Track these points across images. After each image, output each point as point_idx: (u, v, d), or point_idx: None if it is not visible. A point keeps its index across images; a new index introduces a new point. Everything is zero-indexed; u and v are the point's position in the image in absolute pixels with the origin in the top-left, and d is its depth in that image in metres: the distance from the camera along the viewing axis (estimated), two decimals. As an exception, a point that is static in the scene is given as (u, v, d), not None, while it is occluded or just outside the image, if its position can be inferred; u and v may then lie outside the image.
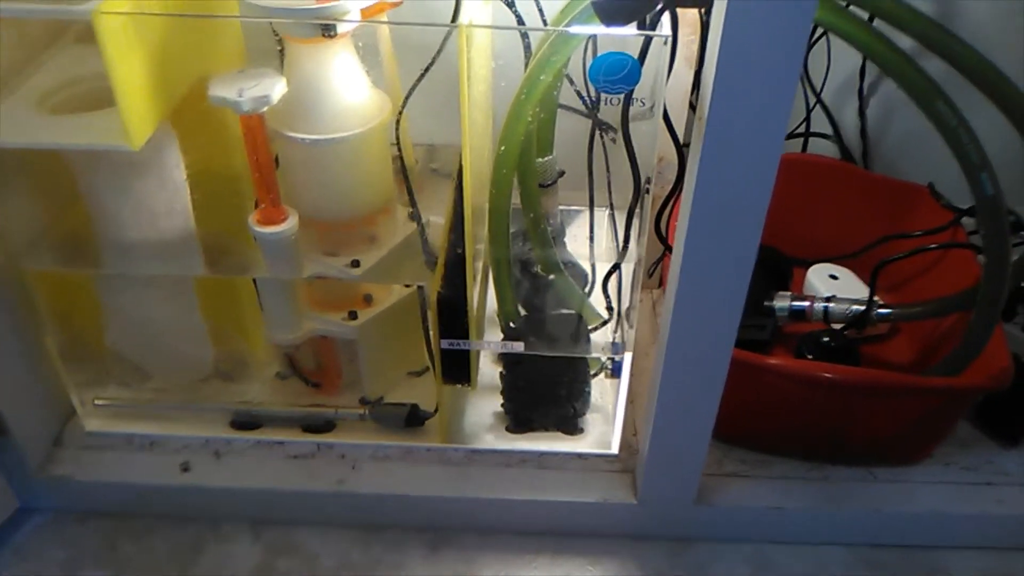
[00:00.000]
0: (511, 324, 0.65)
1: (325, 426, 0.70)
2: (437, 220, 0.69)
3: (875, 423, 0.67)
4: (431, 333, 0.62)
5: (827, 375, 0.63)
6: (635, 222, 0.59)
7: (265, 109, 0.55)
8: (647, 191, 0.55)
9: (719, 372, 0.55)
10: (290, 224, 0.61)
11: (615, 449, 0.69)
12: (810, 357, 0.73)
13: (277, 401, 0.71)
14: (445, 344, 0.62)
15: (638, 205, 0.57)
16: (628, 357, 0.63)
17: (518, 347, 0.63)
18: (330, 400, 0.70)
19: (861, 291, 0.84)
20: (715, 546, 0.69)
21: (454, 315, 0.61)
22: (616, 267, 0.62)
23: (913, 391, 0.64)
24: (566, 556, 0.68)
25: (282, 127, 0.60)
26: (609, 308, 0.67)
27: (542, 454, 0.70)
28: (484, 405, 0.72)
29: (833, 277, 0.84)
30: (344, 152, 0.61)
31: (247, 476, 0.68)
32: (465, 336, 0.62)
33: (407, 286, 0.67)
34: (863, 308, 0.74)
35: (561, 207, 0.79)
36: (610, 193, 0.67)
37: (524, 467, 0.69)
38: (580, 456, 0.70)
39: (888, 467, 0.70)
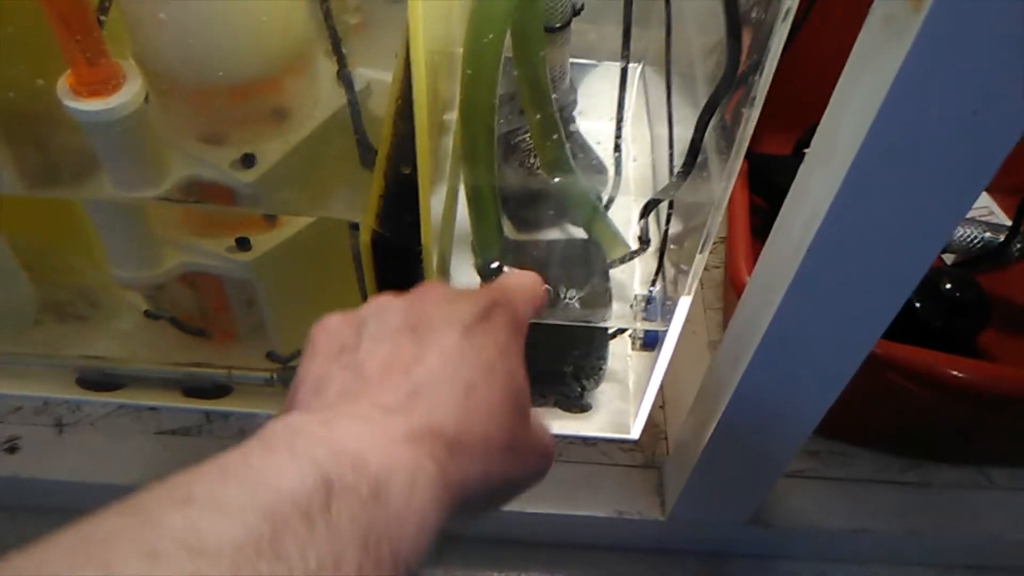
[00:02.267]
0: (492, 265, 0.42)
1: (216, 390, 0.48)
2: (383, 79, 0.44)
3: (1009, 427, 0.47)
4: (367, 287, 0.39)
5: (956, 374, 0.41)
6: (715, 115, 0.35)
7: None
8: (758, 73, 0.30)
9: (850, 361, 0.33)
10: (129, 92, 0.37)
11: (635, 434, 0.49)
12: (919, 306, 0.52)
13: (146, 354, 0.48)
14: (388, 303, 0.39)
15: (734, 85, 0.32)
16: (676, 327, 0.40)
17: (504, 311, 0.40)
18: (223, 354, 0.48)
19: (981, 200, 0.61)
20: (764, 564, 0.50)
21: (401, 265, 0.37)
22: (678, 183, 0.38)
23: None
24: (562, 572, 0.49)
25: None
26: (643, 240, 0.44)
27: (531, 436, 0.49)
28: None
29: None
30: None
31: (103, 463, 0.46)
32: (420, 294, 0.38)
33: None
34: (1000, 239, 0.52)
35: (572, 60, 0.54)
36: (668, 49, 0.42)
37: (505, 456, 0.48)
38: (586, 441, 0.49)
39: (1008, 467, 0.50)
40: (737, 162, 0.32)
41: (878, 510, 0.48)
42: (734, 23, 0.31)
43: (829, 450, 0.50)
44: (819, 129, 0.28)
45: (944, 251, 0.54)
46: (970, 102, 0.23)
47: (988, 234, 0.52)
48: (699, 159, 0.37)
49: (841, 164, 0.26)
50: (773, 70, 0.29)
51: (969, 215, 0.54)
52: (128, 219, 0.40)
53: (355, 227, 0.38)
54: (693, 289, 0.38)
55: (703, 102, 0.37)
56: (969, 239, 0.53)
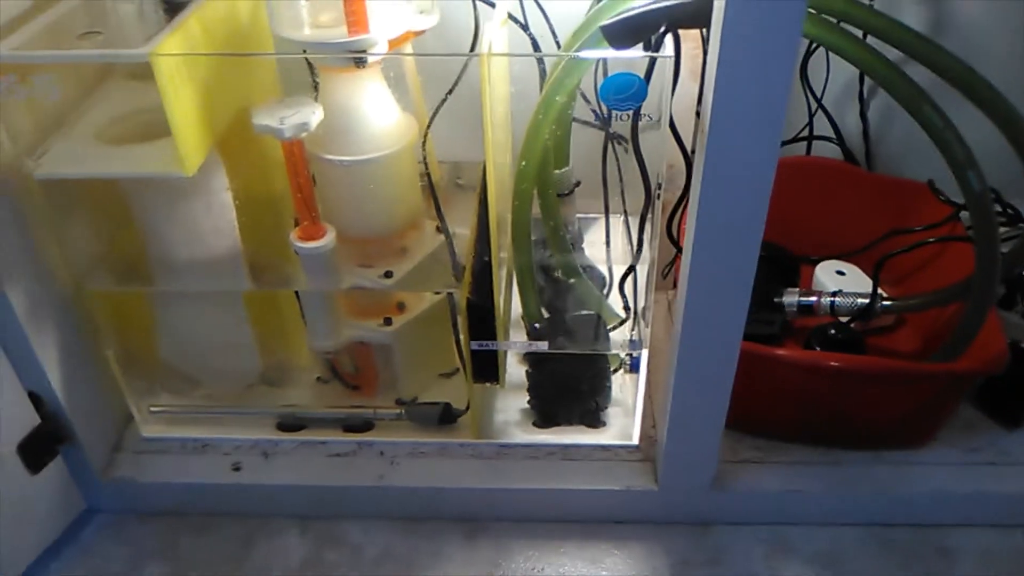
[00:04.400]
0: (535, 325, 0.70)
1: (364, 426, 0.75)
2: (463, 231, 0.74)
3: (880, 408, 0.71)
4: (461, 336, 0.67)
5: (831, 364, 0.67)
6: (647, 226, 0.64)
7: (304, 135, 0.60)
8: (658, 196, 0.60)
9: (729, 363, 0.60)
10: (329, 239, 0.67)
11: (635, 440, 0.74)
12: (818, 349, 0.78)
13: (319, 404, 0.76)
14: (475, 345, 0.67)
15: (649, 210, 0.62)
16: (645, 353, 0.68)
17: (542, 346, 0.68)
18: (368, 401, 0.75)
19: (867, 285, 0.87)
20: (734, 529, 0.73)
21: (483, 319, 0.65)
22: (631, 269, 0.67)
23: (912, 377, 0.68)
24: (592, 541, 0.72)
25: (319, 150, 0.65)
26: (626, 308, 0.72)
27: (567, 447, 0.74)
28: (512, 402, 0.77)
29: (840, 273, 0.88)
30: (376, 171, 0.67)
31: (294, 474, 0.73)
32: (493, 338, 0.66)
33: (437, 293, 0.72)
34: (867, 301, 0.78)
35: (579, 215, 0.84)
36: (624, 200, 0.72)
37: (551, 459, 0.73)
38: (603, 448, 0.74)
39: (896, 450, 0.74)
40: (653, 251, 0.60)
41: (805, 479, 0.71)
42: (648, 187, 0.60)
43: (768, 445, 0.74)
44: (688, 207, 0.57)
45: (838, 315, 0.80)
46: (735, 194, 0.52)
47: (860, 300, 0.79)
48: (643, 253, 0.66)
49: (687, 259, 0.54)
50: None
51: (852, 290, 0.81)
52: (325, 308, 0.69)
53: (450, 295, 0.67)
54: (650, 324, 0.65)
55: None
56: (850, 306, 0.79)
